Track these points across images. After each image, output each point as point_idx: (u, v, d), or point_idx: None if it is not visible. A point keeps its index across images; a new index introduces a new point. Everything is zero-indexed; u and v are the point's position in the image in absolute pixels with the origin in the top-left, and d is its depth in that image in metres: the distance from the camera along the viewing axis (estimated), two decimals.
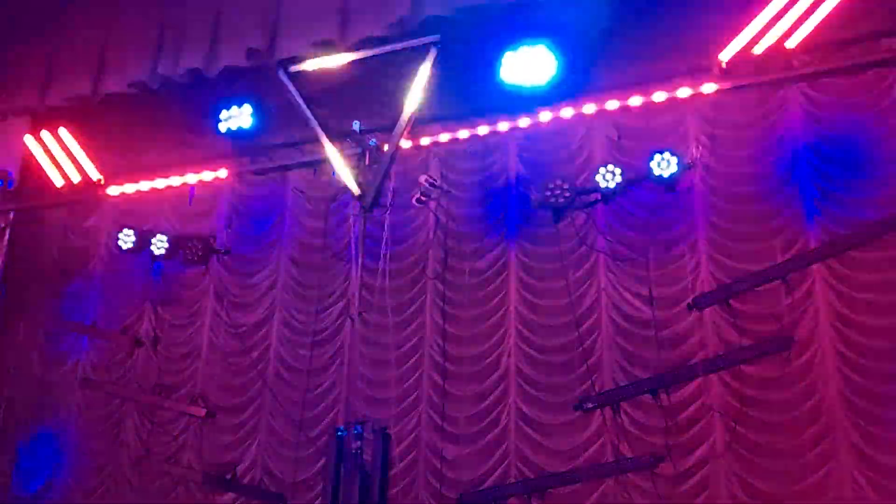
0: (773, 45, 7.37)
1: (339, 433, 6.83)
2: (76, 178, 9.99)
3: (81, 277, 9.93)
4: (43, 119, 9.92)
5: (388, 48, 8.03)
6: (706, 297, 7.31)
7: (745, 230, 7.41)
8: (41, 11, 9.82)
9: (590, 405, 7.40)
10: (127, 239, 9.11)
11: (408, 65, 8.04)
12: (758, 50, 7.42)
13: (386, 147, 7.98)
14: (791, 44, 7.34)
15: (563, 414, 7.55)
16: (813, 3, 7.20)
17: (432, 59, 7.81)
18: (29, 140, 10.03)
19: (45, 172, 10.03)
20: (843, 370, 6.78)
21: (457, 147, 8.65)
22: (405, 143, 8.30)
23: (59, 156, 10.01)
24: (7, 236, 10.05)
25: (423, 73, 7.85)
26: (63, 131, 9.99)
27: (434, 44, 7.81)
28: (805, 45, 7.35)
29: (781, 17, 7.29)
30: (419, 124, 8.39)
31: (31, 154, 10.05)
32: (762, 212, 7.39)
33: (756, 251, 7.30)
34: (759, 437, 6.87)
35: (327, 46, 8.24)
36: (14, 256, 10.02)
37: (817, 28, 7.27)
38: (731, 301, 7.20)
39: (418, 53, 7.98)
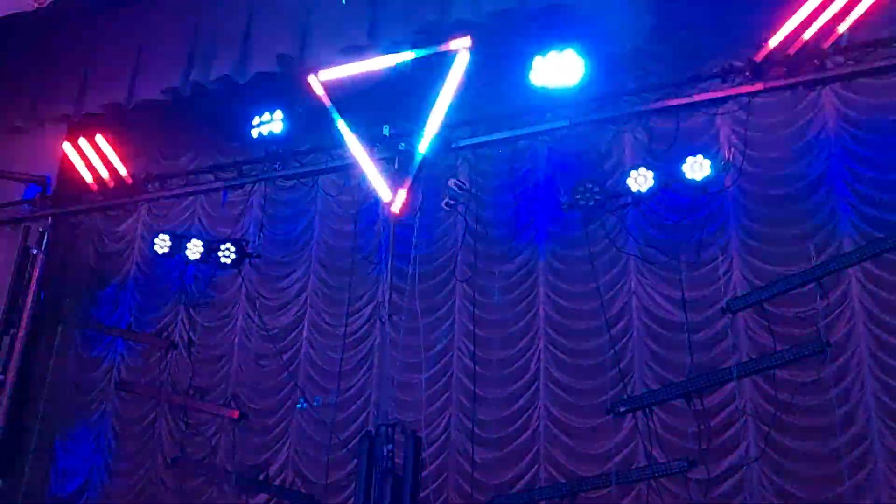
0: (806, 45, 7.30)
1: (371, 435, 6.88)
2: (112, 183, 10.18)
3: (117, 281, 10.10)
4: (79, 126, 10.10)
5: (419, 53, 8.07)
6: (740, 301, 7.24)
7: (779, 233, 7.33)
8: (77, 21, 10.02)
9: (622, 409, 7.36)
10: (163, 243, 9.25)
11: (437, 69, 8.08)
12: (791, 51, 7.35)
13: (415, 151, 8.02)
14: (825, 44, 7.27)
15: (594, 418, 7.51)
16: (847, 2, 7.11)
17: (462, 64, 7.83)
18: (66, 147, 10.24)
19: (81, 178, 10.24)
20: (878, 374, 6.67)
21: (486, 150, 8.65)
22: (434, 147, 8.34)
23: (96, 162, 10.20)
24: (45, 241, 10.24)
25: (453, 78, 7.88)
26: (99, 138, 10.17)
27: (464, 48, 7.83)
28: (839, 46, 7.27)
29: (815, 17, 7.21)
30: (448, 128, 8.43)
31: (69, 160, 10.25)
32: (796, 214, 7.29)
33: (790, 254, 7.21)
34: (793, 442, 6.78)
35: (357, 52, 8.32)
36: (51, 261, 10.22)
37: (851, 28, 7.18)
38: (765, 304, 7.14)
39: (448, 58, 8.01)
